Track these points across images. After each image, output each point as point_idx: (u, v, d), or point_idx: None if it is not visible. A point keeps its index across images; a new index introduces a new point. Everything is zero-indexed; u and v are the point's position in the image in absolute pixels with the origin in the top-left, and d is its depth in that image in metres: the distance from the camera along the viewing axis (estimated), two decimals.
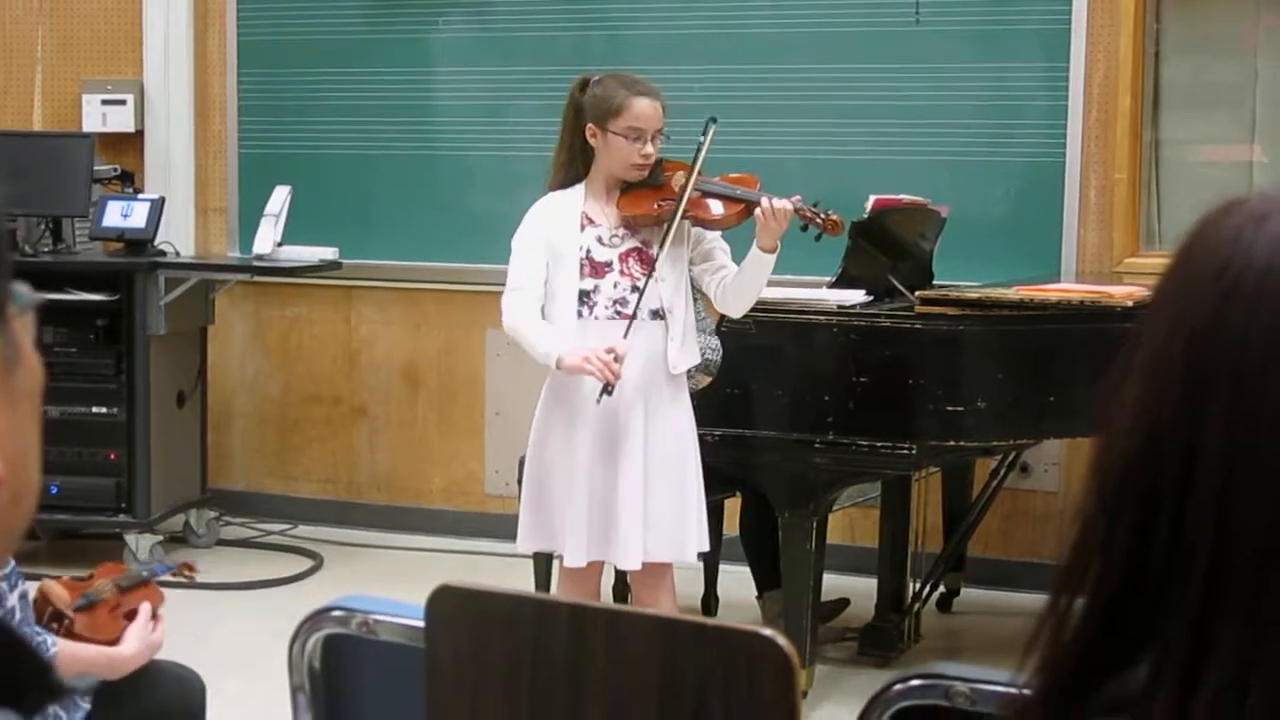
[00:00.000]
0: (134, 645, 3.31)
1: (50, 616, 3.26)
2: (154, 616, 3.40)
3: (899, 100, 6.62)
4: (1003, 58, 6.48)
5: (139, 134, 7.67)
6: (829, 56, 6.71)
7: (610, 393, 4.45)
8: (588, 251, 4.59)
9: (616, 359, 4.42)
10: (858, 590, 6.04)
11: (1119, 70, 6.38)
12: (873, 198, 5.71)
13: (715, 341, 5.29)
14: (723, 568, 6.00)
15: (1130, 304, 5.04)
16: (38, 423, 1.40)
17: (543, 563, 5.38)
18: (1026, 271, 5.96)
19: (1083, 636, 1.19)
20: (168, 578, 3.79)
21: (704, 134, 4.62)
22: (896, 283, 5.41)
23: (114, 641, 3.31)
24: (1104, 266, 6.38)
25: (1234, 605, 1.11)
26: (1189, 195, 6.39)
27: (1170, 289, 1.20)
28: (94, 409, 6.76)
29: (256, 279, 7.31)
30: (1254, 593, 1.11)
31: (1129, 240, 6.42)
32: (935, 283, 5.76)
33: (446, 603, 1.99)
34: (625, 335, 4.50)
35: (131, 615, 3.36)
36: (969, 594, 6.41)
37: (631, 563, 4.59)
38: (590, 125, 4.60)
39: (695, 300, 4.96)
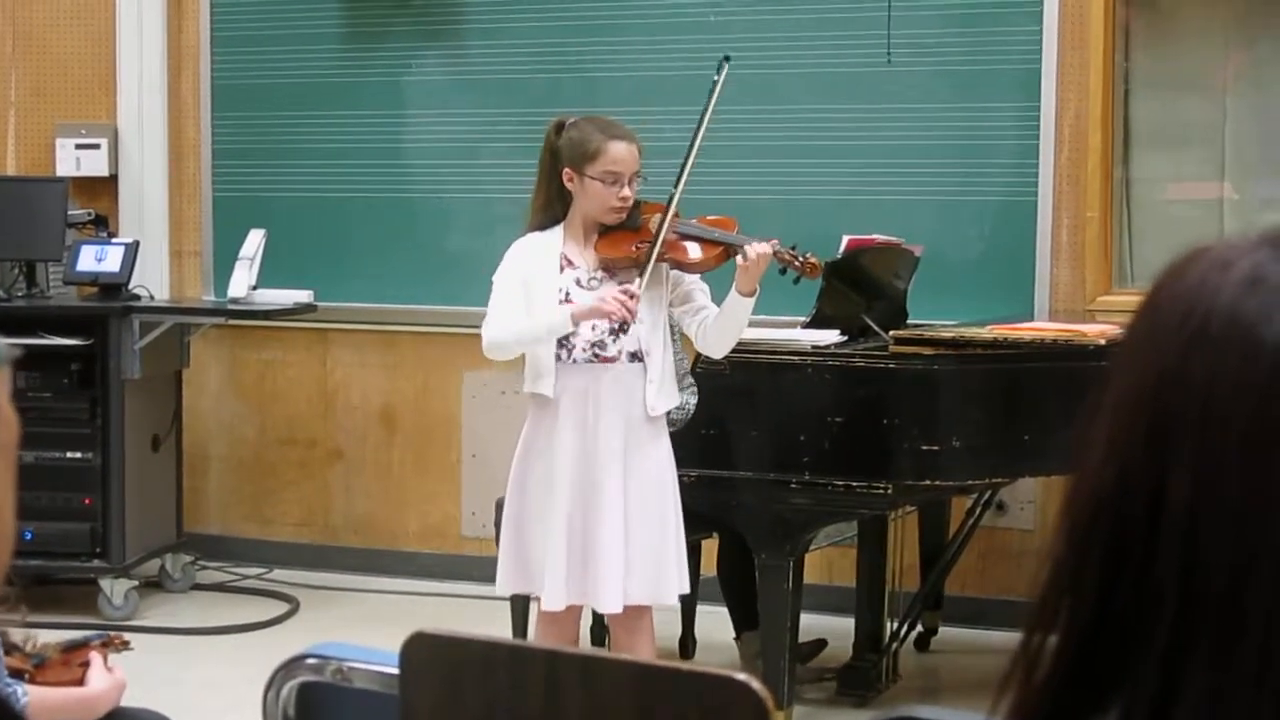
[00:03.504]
0: (102, 683, 3.30)
1: (10, 674, 3.24)
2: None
3: (872, 140, 6.65)
4: (974, 98, 6.51)
5: (113, 178, 7.66)
6: (802, 97, 6.73)
7: (626, 330, 4.47)
8: (566, 294, 4.60)
9: (632, 296, 4.43)
10: (835, 630, 6.03)
11: (1090, 109, 6.41)
12: (846, 238, 5.74)
13: (688, 400, 5.27)
14: (700, 608, 5.99)
15: (1103, 342, 5.06)
16: (12, 474, 1.39)
17: (521, 606, 5.37)
18: (1000, 310, 5.99)
19: (1054, 677, 1.20)
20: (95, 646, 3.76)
21: (717, 73, 4.67)
22: (871, 322, 5.42)
23: (79, 684, 3.29)
24: (1077, 304, 6.40)
25: (1202, 645, 1.12)
26: (1160, 233, 6.42)
27: (1138, 334, 1.21)
28: (68, 454, 6.73)
29: (231, 322, 7.31)
30: (1222, 633, 1.12)
31: (1101, 278, 6.44)
32: (909, 322, 5.78)
33: (421, 650, 1.98)
34: (641, 280, 4.50)
35: (84, 665, 3.35)
36: (947, 632, 6.40)
37: (612, 606, 4.58)
38: (567, 170, 4.61)
39: (674, 341, 4.97)
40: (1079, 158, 6.43)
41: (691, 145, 4.68)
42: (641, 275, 4.57)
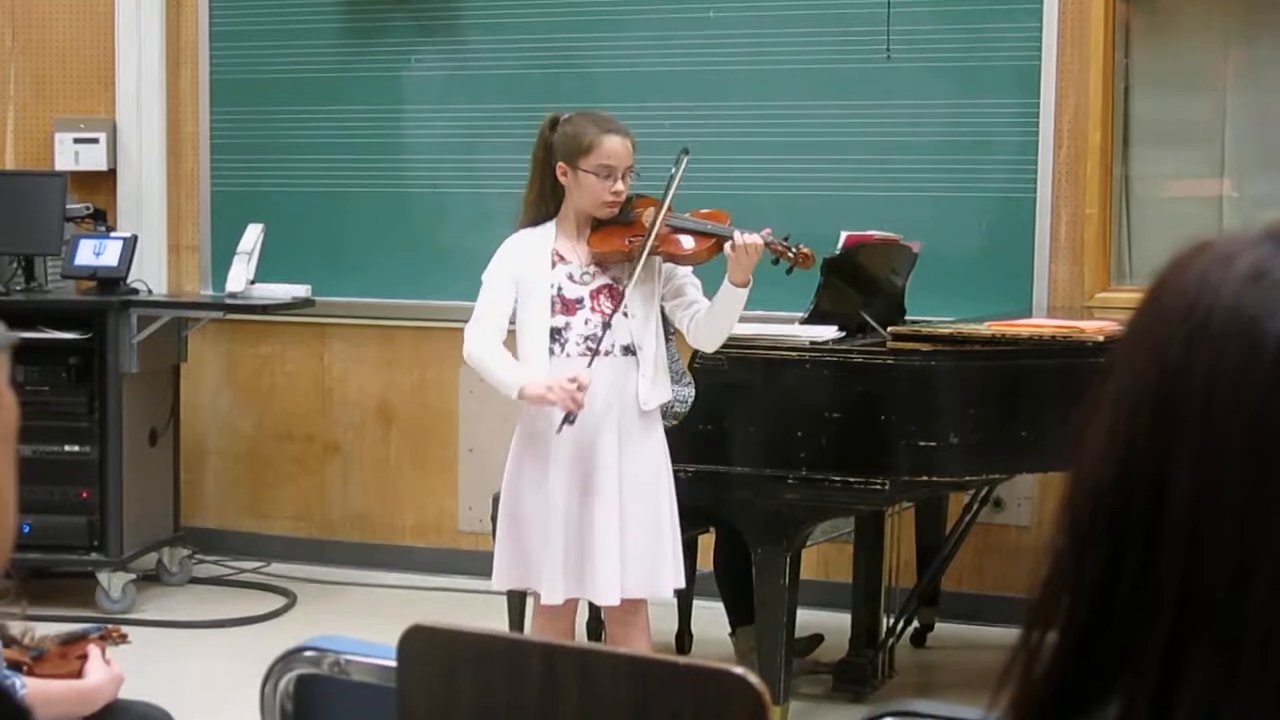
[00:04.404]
0: (99, 676, 3.31)
1: (8, 666, 3.24)
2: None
3: (871, 136, 6.65)
4: (974, 94, 6.51)
5: (111, 172, 7.66)
6: (800, 93, 6.73)
7: (572, 422, 4.46)
8: (559, 289, 4.60)
9: (580, 388, 4.43)
10: (832, 626, 6.04)
11: (1089, 106, 6.41)
12: (844, 234, 5.74)
13: (686, 392, 5.28)
14: (697, 603, 5.99)
15: (1101, 339, 5.06)
16: (13, 462, 1.38)
17: (517, 600, 5.37)
18: (998, 306, 5.98)
19: (1054, 672, 1.20)
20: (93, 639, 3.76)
21: (676, 166, 4.64)
22: (869, 318, 5.41)
23: (76, 677, 3.30)
24: (1075, 301, 6.40)
25: (1203, 639, 1.12)
26: (1160, 230, 6.42)
27: (1140, 327, 1.20)
28: (66, 447, 6.73)
29: (229, 317, 7.31)
30: (1223, 627, 1.12)
31: (1100, 275, 6.44)
32: (907, 318, 5.78)
33: (418, 643, 1.98)
34: (590, 364, 4.50)
35: (82, 658, 3.35)
36: (943, 629, 6.41)
37: (609, 599, 4.58)
38: (560, 163, 4.61)
39: (669, 341, 4.97)
40: (1078, 154, 6.43)
41: (663, 200, 4.64)
42: (634, 269, 4.57)
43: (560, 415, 4.47)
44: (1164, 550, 1.14)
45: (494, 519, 4.79)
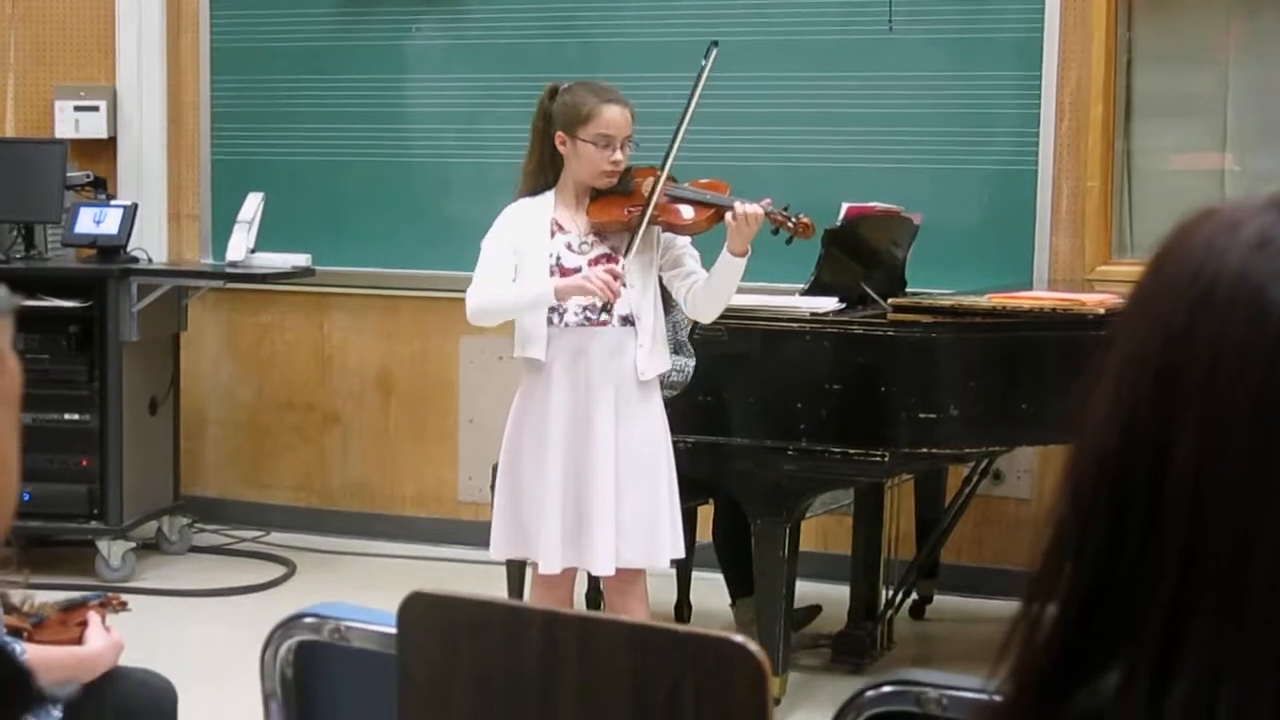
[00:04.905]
0: (99, 643, 3.31)
1: (8, 632, 3.24)
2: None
3: (872, 108, 6.63)
4: (975, 66, 6.50)
5: (112, 140, 7.65)
6: (802, 64, 6.72)
7: (610, 311, 4.46)
8: (557, 258, 4.60)
9: (616, 277, 4.44)
10: (830, 598, 6.04)
11: (1091, 79, 6.40)
12: (845, 205, 5.73)
13: (685, 363, 5.27)
14: (696, 575, 5.99)
15: (1102, 312, 5.06)
16: (16, 427, 1.38)
17: (516, 570, 5.38)
18: (999, 279, 5.98)
19: (1055, 641, 1.20)
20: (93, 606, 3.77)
21: (705, 57, 4.67)
22: (869, 290, 5.41)
23: (76, 644, 3.30)
24: (1076, 274, 6.40)
25: (1205, 606, 1.12)
26: (1161, 203, 6.41)
27: (1145, 294, 1.20)
28: (66, 416, 6.73)
29: (229, 286, 7.30)
30: (1225, 595, 1.12)
31: (1101, 248, 6.44)
32: (908, 290, 5.77)
33: (418, 610, 1.98)
34: (626, 254, 4.51)
35: (82, 625, 3.36)
36: (942, 601, 6.41)
37: (604, 568, 4.58)
38: (560, 133, 4.61)
39: (669, 313, 4.97)
40: (1080, 127, 6.42)
41: (679, 128, 4.66)
42: (632, 240, 4.57)
43: (569, 393, 4.48)
44: (1167, 518, 1.14)
45: (493, 489, 4.79)
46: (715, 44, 4.69)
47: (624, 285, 4.49)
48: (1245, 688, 1.10)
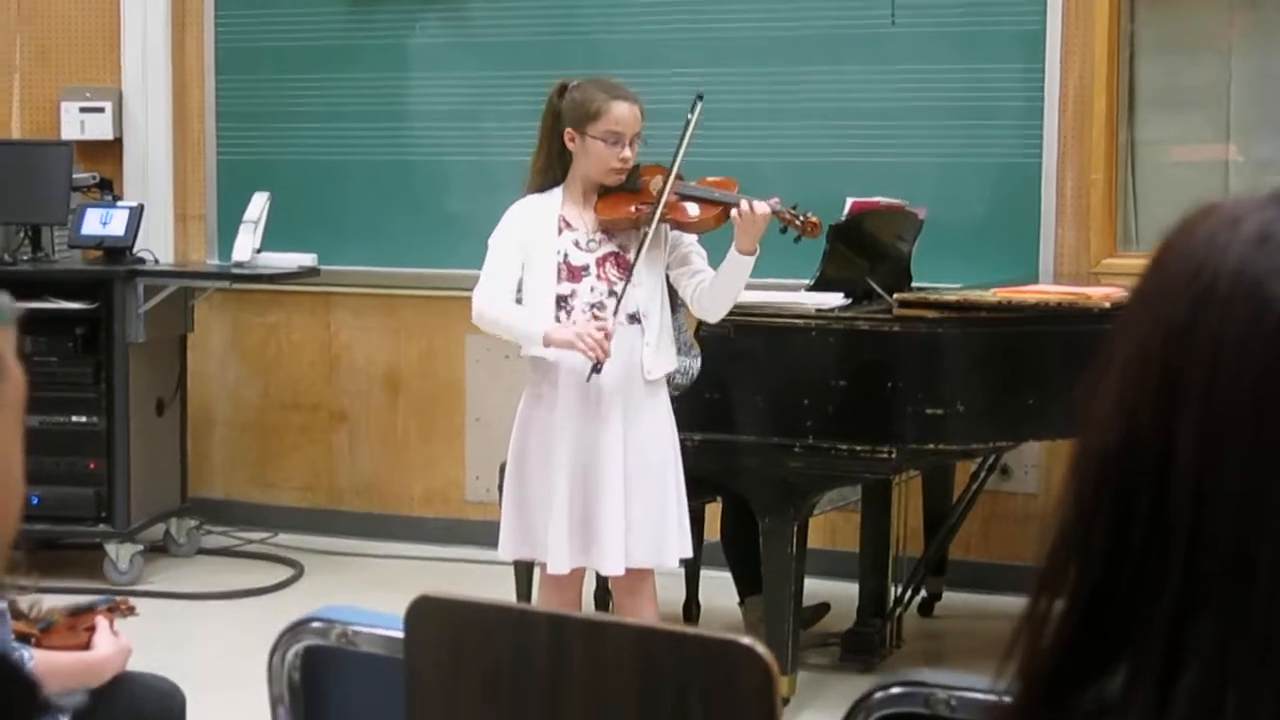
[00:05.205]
0: (107, 648, 3.31)
1: (16, 638, 3.24)
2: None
3: (875, 102, 6.63)
4: (978, 59, 6.49)
5: (117, 141, 7.65)
6: (805, 59, 6.71)
7: (599, 371, 4.46)
8: (565, 255, 4.60)
9: (607, 336, 4.43)
10: (839, 595, 6.04)
11: (1094, 71, 6.39)
12: (850, 200, 5.72)
13: (691, 364, 5.27)
14: (704, 573, 5.99)
15: (1108, 305, 5.05)
16: (20, 435, 1.39)
17: (524, 570, 5.37)
18: (1004, 273, 5.97)
19: (1061, 640, 1.19)
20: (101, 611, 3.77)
21: (691, 111, 4.63)
22: (875, 285, 5.40)
23: (84, 649, 3.30)
24: (1081, 267, 6.39)
25: (1211, 603, 1.12)
26: (1165, 195, 6.40)
27: (1147, 291, 1.20)
28: (73, 418, 6.73)
29: (235, 286, 7.30)
30: (1230, 591, 1.11)
31: (1106, 241, 6.43)
32: (913, 285, 5.77)
33: (425, 613, 1.98)
34: (614, 313, 4.50)
35: (90, 630, 3.36)
36: (950, 597, 6.41)
37: (613, 568, 4.58)
38: (568, 130, 4.60)
39: (676, 312, 4.96)
40: (1083, 120, 6.42)
41: (674, 161, 4.64)
42: (643, 238, 4.57)
43: (580, 379, 4.48)
44: (1170, 516, 1.14)
45: (501, 489, 4.79)
46: (700, 97, 4.67)
47: (606, 357, 4.46)
48: (1251, 687, 1.10)
